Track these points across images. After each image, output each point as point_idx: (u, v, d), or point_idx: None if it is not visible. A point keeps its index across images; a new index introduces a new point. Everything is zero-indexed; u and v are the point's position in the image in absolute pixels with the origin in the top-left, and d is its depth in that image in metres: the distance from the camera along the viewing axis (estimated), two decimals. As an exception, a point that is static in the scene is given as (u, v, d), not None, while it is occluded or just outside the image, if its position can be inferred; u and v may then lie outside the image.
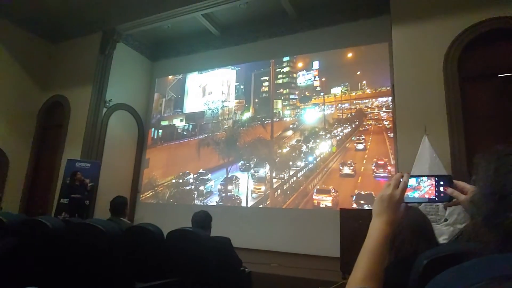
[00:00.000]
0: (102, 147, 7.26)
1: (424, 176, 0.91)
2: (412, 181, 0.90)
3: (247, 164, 7.06)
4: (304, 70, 7.06)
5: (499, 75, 4.41)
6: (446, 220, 3.78)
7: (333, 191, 6.13)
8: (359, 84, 6.47)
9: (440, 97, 4.48)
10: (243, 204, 6.87)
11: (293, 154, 6.70)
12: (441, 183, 0.89)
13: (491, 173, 0.54)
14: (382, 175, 5.83)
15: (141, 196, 7.98)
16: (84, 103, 7.19)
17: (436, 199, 0.89)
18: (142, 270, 2.41)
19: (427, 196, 0.90)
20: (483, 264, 0.36)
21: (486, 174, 0.56)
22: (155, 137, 8.40)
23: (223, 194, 7.13)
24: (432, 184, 0.90)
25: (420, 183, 0.91)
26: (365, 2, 6.33)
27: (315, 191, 6.26)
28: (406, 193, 0.88)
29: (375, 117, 6.24)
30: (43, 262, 2.30)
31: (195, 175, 7.54)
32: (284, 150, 6.82)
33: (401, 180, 0.89)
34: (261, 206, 6.70)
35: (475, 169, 0.59)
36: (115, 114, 7.67)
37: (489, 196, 0.53)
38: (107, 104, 7.41)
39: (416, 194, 0.90)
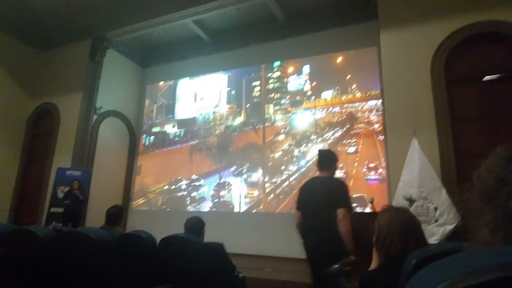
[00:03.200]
0: (93, 154, 7.19)
1: None
2: None
3: (240, 169, 7.07)
4: (295, 75, 7.12)
5: (484, 78, 4.52)
6: (436, 220, 3.84)
7: (325, 194, 6.15)
8: (349, 88, 6.55)
9: (428, 99, 4.57)
10: (236, 209, 6.86)
11: (285, 158, 6.73)
12: None
13: (504, 161, 0.56)
14: (373, 177, 5.88)
15: (133, 203, 7.91)
16: (74, 110, 7.13)
17: None
18: (135, 278, 2.39)
19: None
20: (461, 258, 0.38)
21: (498, 161, 0.57)
22: (147, 144, 8.35)
23: (216, 200, 7.11)
24: None
25: None
26: (354, 8, 6.43)
27: (307, 194, 6.27)
28: None
29: (366, 120, 6.32)
30: (34, 272, 2.27)
31: (187, 181, 7.52)
32: (276, 155, 6.84)
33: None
34: (254, 211, 6.70)
35: (490, 155, 0.60)
36: (106, 121, 7.62)
37: (494, 174, 0.55)
38: (98, 111, 7.35)
39: None
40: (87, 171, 6.75)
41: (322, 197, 2.64)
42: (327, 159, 2.88)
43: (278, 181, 6.63)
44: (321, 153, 2.99)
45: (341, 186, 2.71)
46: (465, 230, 3.78)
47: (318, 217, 2.64)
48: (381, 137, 5.89)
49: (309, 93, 6.89)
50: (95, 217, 6.05)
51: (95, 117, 7.32)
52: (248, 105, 7.49)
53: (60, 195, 6.40)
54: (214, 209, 7.06)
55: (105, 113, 7.56)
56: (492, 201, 0.53)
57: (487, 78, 4.50)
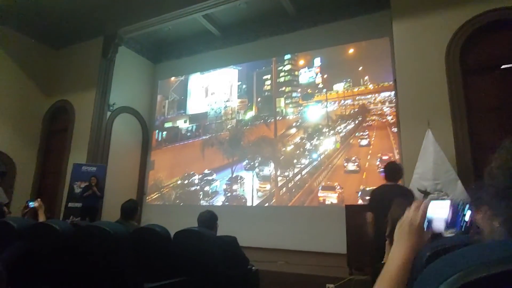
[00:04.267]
0: (107, 150, 7.32)
1: (447, 200, 0.87)
2: (432, 207, 0.86)
3: (252, 163, 7.09)
4: (306, 68, 7.06)
5: (501, 67, 4.39)
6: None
7: (338, 187, 6.13)
8: (361, 80, 6.46)
9: (442, 90, 4.47)
10: (249, 203, 6.90)
11: (297, 151, 6.71)
12: (465, 208, 0.83)
13: None
14: (387, 170, 5.81)
15: (147, 198, 8.04)
16: (88, 107, 7.26)
17: (460, 226, 0.83)
18: (150, 271, 2.44)
19: (448, 223, 0.85)
20: (473, 251, 0.38)
21: (508, 156, 0.56)
22: (160, 139, 8.45)
23: (229, 194, 7.16)
24: (453, 210, 0.84)
25: (441, 209, 0.86)
26: (365, -2, 6.31)
27: (320, 188, 6.27)
28: (426, 219, 0.85)
29: (378, 112, 6.23)
30: (54, 266, 2.34)
31: (200, 176, 7.58)
32: (288, 148, 6.83)
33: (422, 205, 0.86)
34: (266, 204, 6.72)
35: (499, 150, 0.59)
36: (119, 117, 7.74)
37: (506, 169, 0.54)
38: (111, 108, 7.47)
39: (437, 221, 0.85)
40: (102, 167, 6.89)
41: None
42: (394, 171, 3.26)
43: (290, 175, 6.63)
44: (390, 165, 3.39)
45: (410, 192, 3.21)
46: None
47: None
48: (395, 129, 5.80)
49: (320, 85, 6.83)
50: (110, 212, 6.18)
51: (108, 113, 7.44)
52: (259, 99, 7.47)
53: (77, 190, 6.56)
54: (226, 203, 7.12)
55: (118, 109, 7.67)
56: (507, 199, 0.52)
57: (504, 66, 4.37)
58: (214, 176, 7.43)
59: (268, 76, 7.45)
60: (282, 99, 7.19)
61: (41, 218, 3.36)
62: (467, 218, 0.82)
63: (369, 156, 6.04)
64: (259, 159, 7.04)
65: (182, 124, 8.29)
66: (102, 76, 7.41)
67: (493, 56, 4.42)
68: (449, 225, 0.84)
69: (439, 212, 0.85)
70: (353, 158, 6.15)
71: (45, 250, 2.40)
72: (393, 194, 2.88)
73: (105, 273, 2.15)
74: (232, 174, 7.24)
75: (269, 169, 6.89)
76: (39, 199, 3.61)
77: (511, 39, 4.37)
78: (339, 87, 6.64)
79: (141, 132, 8.33)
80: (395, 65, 4.98)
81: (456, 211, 0.83)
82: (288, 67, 7.29)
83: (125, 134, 7.86)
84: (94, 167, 6.74)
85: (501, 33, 4.40)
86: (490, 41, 4.46)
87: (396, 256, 0.84)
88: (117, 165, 7.45)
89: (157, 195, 8.01)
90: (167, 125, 8.48)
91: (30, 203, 3.55)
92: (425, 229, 0.85)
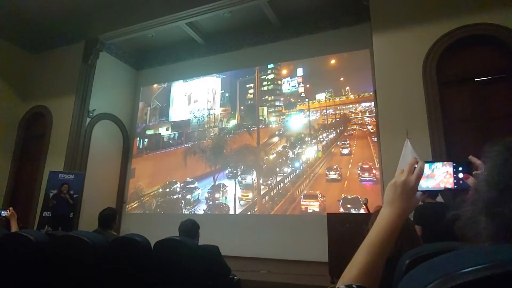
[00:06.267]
0: (86, 157, 7.13)
1: (439, 162, 0.83)
2: (425, 168, 0.82)
3: (234, 172, 7.06)
4: (289, 77, 7.15)
5: (475, 79, 4.58)
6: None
7: (320, 196, 6.18)
8: (343, 90, 6.59)
9: (420, 101, 4.62)
10: (231, 212, 6.85)
11: (280, 160, 6.75)
12: (460, 169, 0.80)
13: (500, 163, 0.53)
14: (367, 179, 5.92)
15: (127, 206, 7.85)
16: (66, 113, 7.07)
17: (454, 187, 0.80)
18: (130, 281, 2.37)
19: (442, 185, 0.81)
20: (452, 257, 0.38)
21: (494, 164, 0.54)
22: (141, 147, 8.31)
23: (211, 202, 7.10)
24: (447, 171, 0.81)
25: (434, 170, 0.83)
26: (346, 10, 6.48)
27: (302, 196, 6.30)
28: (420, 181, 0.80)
29: (359, 122, 6.36)
30: (27, 277, 2.24)
31: (182, 184, 7.49)
32: (271, 157, 6.86)
33: (415, 166, 0.81)
34: (249, 213, 6.69)
35: (483, 157, 0.58)
36: (99, 124, 7.57)
37: (494, 184, 0.52)
38: (91, 114, 7.30)
39: (431, 183, 0.82)
40: (80, 175, 6.69)
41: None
42: (436, 193, 3.36)
43: (273, 183, 6.64)
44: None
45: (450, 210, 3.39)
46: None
47: None
48: (375, 139, 5.93)
49: (303, 95, 6.92)
50: (88, 221, 5.99)
51: (88, 120, 7.26)
52: (242, 107, 7.49)
53: (53, 199, 6.35)
54: (208, 212, 7.05)
55: (98, 116, 7.51)
56: (495, 216, 0.50)
57: (478, 79, 4.57)
58: (196, 184, 7.36)
59: (251, 85, 7.49)
60: (265, 108, 7.23)
61: (14, 227, 3.24)
62: (460, 175, 0.79)
63: (350, 165, 6.14)
64: (242, 167, 7.03)
65: (164, 131, 8.19)
66: (82, 82, 7.24)
67: (468, 69, 4.62)
68: (446, 188, 0.81)
69: (434, 173, 0.82)
70: (335, 167, 6.23)
71: (18, 261, 2.30)
72: (443, 210, 3.00)
73: (83, 284, 2.08)
74: (215, 182, 7.19)
75: (251, 178, 6.89)
76: (11, 208, 3.49)
77: (485, 53, 4.58)
78: (321, 96, 6.75)
79: (121, 139, 8.17)
80: (375, 76, 5.11)
81: (452, 172, 0.80)
82: (271, 76, 7.36)
83: (105, 141, 7.69)
84: (71, 174, 6.53)
85: (475, 47, 4.61)
86: (465, 54, 4.66)
87: (383, 218, 0.78)
88: (96, 173, 7.26)
89: (137, 203, 7.84)
90: (149, 132, 8.36)
91: (2, 212, 3.42)
92: (418, 192, 0.81)
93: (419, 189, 0.81)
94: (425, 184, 0.82)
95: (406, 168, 0.82)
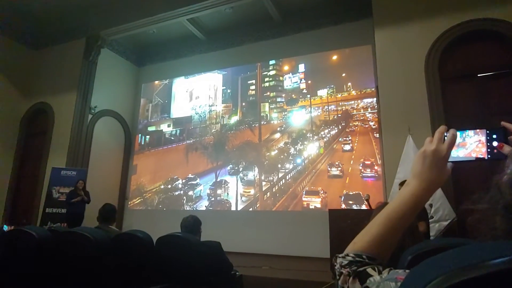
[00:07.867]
0: (88, 154, 7.15)
1: (471, 130, 0.77)
2: (459, 137, 0.77)
3: (236, 168, 7.06)
4: (290, 73, 7.13)
5: (478, 75, 4.55)
6: (432, 217, 3.87)
7: (321, 192, 6.18)
8: (345, 86, 6.56)
9: (422, 97, 4.59)
10: (233, 208, 6.86)
11: (282, 156, 6.74)
12: (494, 137, 0.74)
13: None
14: (369, 175, 5.91)
15: (129, 203, 7.88)
16: (68, 109, 7.08)
17: (488, 157, 0.74)
18: (132, 277, 2.38)
19: (474, 155, 0.75)
20: (455, 254, 0.38)
21: None
22: (143, 143, 8.32)
23: (213, 199, 7.11)
24: (480, 140, 0.76)
25: (466, 138, 0.77)
26: (348, 6, 6.44)
27: (304, 192, 6.30)
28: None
29: (361, 118, 6.34)
30: (30, 273, 2.25)
31: (183, 180, 7.50)
32: (273, 153, 6.85)
33: (446, 134, 0.75)
34: (250, 209, 6.70)
35: (510, 156, 0.53)
36: (101, 121, 7.57)
37: None
38: (92, 111, 7.31)
39: (461, 152, 0.76)
40: (82, 171, 6.71)
41: None
42: None
43: (275, 179, 6.64)
44: None
45: None
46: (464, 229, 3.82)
47: None
48: (377, 135, 5.92)
49: (304, 91, 6.90)
50: (90, 218, 6.00)
51: (90, 116, 7.27)
52: (244, 103, 7.48)
53: (56, 195, 6.36)
54: (210, 208, 7.06)
55: (100, 112, 7.52)
56: None
57: (480, 75, 4.54)
58: (198, 180, 7.37)
59: (253, 81, 7.47)
60: (267, 104, 7.22)
61: None
62: (494, 144, 0.73)
63: (352, 161, 6.13)
64: (244, 163, 7.03)
65: (166, 128, 8.20)
66: (83, 78, 7.24)
67: (470, 65, 4.59)
68: (478, 158, 0.74)
69: (466, 142, 0.77)
70: (337, 163, 6.22)
71: (21, 257, 2.32)
72: None
73: (85, 280, 2.09)
74: (216, 178, 7.20)
75: (253, 174, 6.89)
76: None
77: (487, 49, 4.54)
78: (323, 92, 6.73)
79: (123, 135, 8.18)
80: (377, 72, 5.09)
81: (485, 141, 0.75)
82: (272, 72, 7.34)
83: (107, 137, 7.70)
84: (74, 171, 6.55)
85: (478, 43, 4.58)
86: (467, 50, 4.63)
87: (408, 191, 0.69)
88: (98, 169, 7.28)
89: (139, 200, 7.86)
90: (151, 129, 8.37)
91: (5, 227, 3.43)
92: (449, 163, 0.74)
93: (450, 159, 0.74)
94: (456, 153, 0.76)
95: (435, 136, 0.75)
